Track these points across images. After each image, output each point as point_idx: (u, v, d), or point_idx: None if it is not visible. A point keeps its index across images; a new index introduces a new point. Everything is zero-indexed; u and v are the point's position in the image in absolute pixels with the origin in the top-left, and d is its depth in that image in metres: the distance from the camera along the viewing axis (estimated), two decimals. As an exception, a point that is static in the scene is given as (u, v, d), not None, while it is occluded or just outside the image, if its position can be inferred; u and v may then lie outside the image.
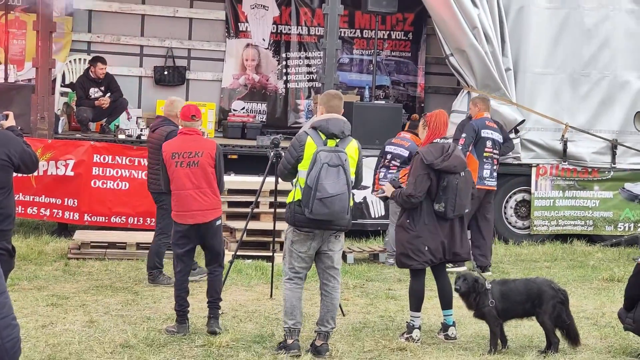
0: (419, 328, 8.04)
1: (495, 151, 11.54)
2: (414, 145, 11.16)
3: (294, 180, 7.40)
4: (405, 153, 11.37)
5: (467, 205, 8.02)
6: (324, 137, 7.24)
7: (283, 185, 9.64)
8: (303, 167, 7.24)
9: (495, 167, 11.56)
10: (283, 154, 9.20)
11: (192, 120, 8.03)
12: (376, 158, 11.94)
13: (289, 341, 7.34)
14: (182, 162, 7.88)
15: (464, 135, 11.46)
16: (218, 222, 8.00)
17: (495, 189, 11.71)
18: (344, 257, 11.48)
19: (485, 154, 11.47)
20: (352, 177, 7.35)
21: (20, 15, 14.55)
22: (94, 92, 14.02)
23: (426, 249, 7.87)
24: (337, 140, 7.25)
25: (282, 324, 7.48)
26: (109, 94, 14.02)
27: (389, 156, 11.53)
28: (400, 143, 11.60)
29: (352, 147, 7.36)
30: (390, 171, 11.20)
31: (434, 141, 8.01)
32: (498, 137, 11.59)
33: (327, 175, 7.07)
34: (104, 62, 14.08)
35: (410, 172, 8.01)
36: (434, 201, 7.86)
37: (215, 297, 8.04)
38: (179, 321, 7.93)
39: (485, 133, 11.50)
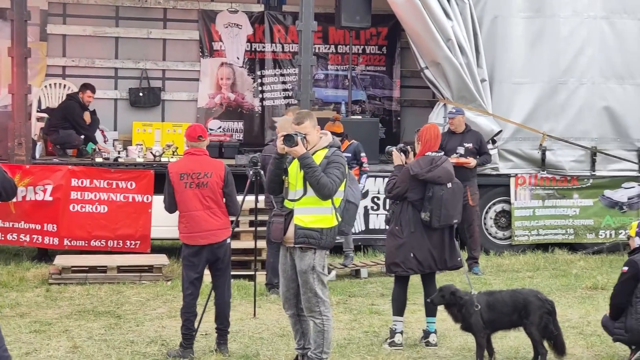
0: (401, 333, 8.25)
1: None
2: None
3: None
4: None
5: (455, 216, 8.23)
6: None
7: (263, 203, 9.64)
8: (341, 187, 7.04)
9: None
10: (262, 172, 9.28)
11: (199, 141, 7.93)
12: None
13: None
14: (192, 183, 7.75)
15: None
16: (228, 241, 7.94)
17: None
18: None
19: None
20: None
21: (-6, 42, 14.44)
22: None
23: (412, 256, 8.11)
24: None
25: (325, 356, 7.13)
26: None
27: None
28: None
29: None
30: None
31: (426, 154, 8.25)
32: None
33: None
34: (93, 90, 14.01)
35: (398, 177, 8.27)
36: (421, 211, 8.10)
37: (225, 325, 7.97)
38: (184, 345, 7.82)
39: None
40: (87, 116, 13.85)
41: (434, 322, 8.33)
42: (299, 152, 6.82)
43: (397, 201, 8.29)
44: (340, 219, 7.01)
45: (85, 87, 14.00)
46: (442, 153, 8.44)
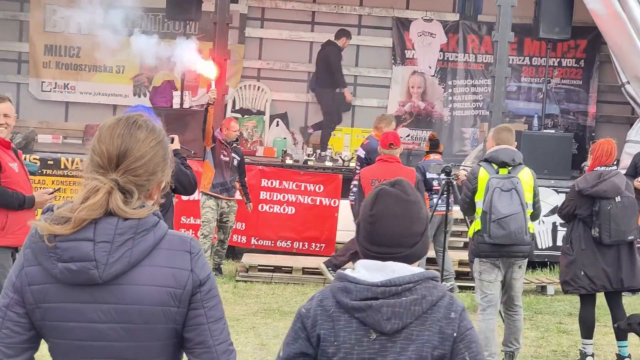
0: (592, 355, 8.00)
1: None
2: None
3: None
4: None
5: (629, 231, 7.87)
6: (495, 167, 7.43)
7: (456, 214, 9.61)
8: (479, 198, 7.42)
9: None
10: (454, 182, 9.25)
11: (391, 149, 8.15)
12: (548, 189, 11.65)
13: None
14: None
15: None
16: None
17: None
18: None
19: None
20: (529, 201, 7.44)
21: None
22: None
23: (582, 274, 7.88)
24: (509, 168, 7.42)
25: None
26: None
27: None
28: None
29: (525, 173, 7.50)
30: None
31: (596, 169, 7.99)
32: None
33: (500, 198, 7.26)
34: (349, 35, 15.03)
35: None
36: (591, 227, 7.87)
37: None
38: None
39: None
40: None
41: (626, 346, 7.98)
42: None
43: (568, 220, 8.12)
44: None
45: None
46: (615, 167, 8.09)
